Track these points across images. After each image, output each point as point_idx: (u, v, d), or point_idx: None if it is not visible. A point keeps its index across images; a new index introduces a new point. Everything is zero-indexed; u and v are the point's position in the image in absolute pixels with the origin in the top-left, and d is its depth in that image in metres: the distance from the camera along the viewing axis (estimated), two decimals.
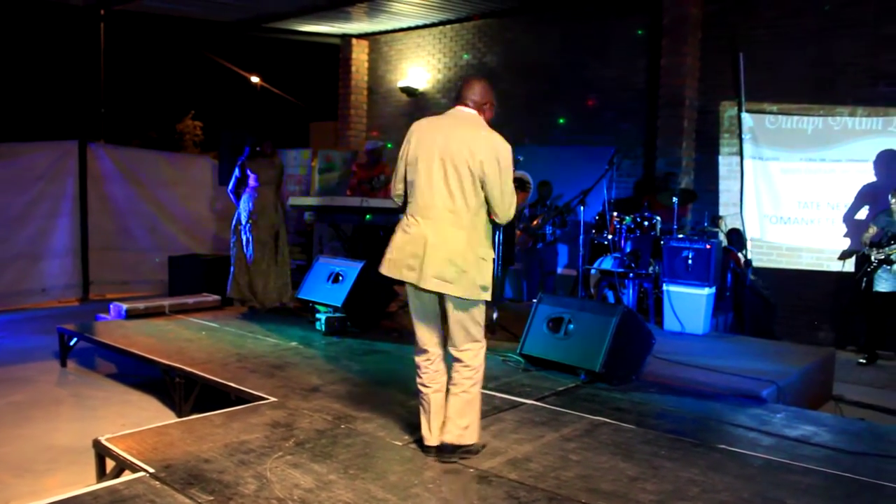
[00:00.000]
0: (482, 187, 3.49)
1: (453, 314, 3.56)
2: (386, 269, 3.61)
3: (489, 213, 3.58)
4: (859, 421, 4.87)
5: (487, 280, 3.53)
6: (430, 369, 3.66)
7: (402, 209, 3.72)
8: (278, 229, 7.47)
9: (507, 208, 3.57)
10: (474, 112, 3.64)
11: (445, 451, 3.57)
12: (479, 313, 3.62)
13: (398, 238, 3.61)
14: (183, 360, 5.45)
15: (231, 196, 7.57)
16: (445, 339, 3.66)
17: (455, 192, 3.49)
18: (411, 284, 3.54)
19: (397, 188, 3.72)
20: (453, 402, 3.59)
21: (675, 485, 3.38)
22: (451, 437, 3.56)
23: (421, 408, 3.70)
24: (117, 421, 5.12)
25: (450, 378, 3.64)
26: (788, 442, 4.06)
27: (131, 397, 5.85)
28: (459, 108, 3.65)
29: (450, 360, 3.66)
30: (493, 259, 3.64)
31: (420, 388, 3.69)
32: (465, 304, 3.53)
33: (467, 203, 3.49)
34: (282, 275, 7.53)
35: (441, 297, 3.57)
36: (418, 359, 3.69)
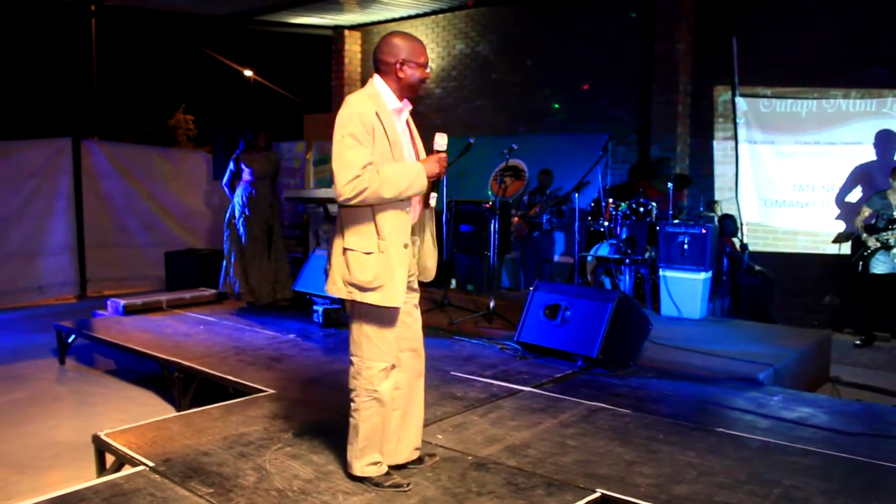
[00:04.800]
0: None
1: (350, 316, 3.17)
2: None
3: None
4: (856, 402, 4.89)
5: (362, 276, 2.99)
6: None
7: None
8: (272, 224, 7.44)
9: (337, 181, 2.94)
10: (377, 77, 3.14)
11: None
12: (366, 322, 3.09)
13: None
14: (181, 354, 5.45)
15: (226, 190, 7.56)
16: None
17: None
18: None
19: None
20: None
21: (672, 468, 3.40)
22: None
23: None
24: (117, 416, 5.13)
25: None
26: (785, 424, 4.08)
27: (130, 393, 5.86)
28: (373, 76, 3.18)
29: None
30: (373, 251, 3.01)
31: None
32: (353, 306, 3.10)
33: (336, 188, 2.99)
34: (275, 270, 7.50)
35: None
36: None
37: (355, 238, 3.03)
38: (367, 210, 3.01)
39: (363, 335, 3.10)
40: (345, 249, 3.03)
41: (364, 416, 3.12)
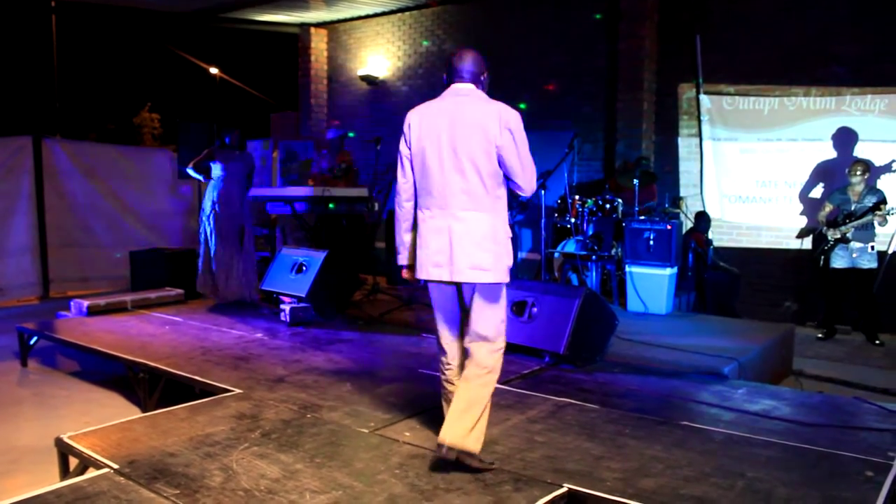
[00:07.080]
0: (499, 163, 3.30)
1: (481, 305, 3.38)
2: (418, 273, 3.44)
3: (509, 189, 3.42)
4: (818, 394, 4.98)
5: (511, 258, 3.42)
6: (453, 366, 3.55)
7: (414, 205, 3.50)
8: (242, 223, 7.42)
9: (530, 179, 3.36)
10: (472, 86, 3.42)
11: (445, 451, 3.27)
12: (504, 304, 3.46)
13: (420, 237, 3.42)
14: (146, 354, 5.39)
15: (191, 172, 7.56)
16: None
17: (471, 176, 3.28)
18: (441, 282, 3.39)
19: (404, 183, 3.48)
20: (459, 396, 3.33)
21: (639, 462, 3.43)
22: (454, 438, 3.24)
23: (444, 402, 3.58)
24: (80, 419, 5.05)
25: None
26: (749, 416, 4.14)
27: (95, 395, 5.78)
28: (456, 85, 3.42)
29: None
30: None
31: (444, 384, 3.59)
32: (494, 292, 3.38)
33: (485, 184, 3.29)
34: (245, 271, 7.47)
35: (463, 290, 3.45)
36: (442, 357, 3.59)
37: (506, 227, 3.41)
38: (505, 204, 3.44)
39: (500, 316, 3.45)
40: (509, 239, 3.39)
41: (491, 392, 3.40)
